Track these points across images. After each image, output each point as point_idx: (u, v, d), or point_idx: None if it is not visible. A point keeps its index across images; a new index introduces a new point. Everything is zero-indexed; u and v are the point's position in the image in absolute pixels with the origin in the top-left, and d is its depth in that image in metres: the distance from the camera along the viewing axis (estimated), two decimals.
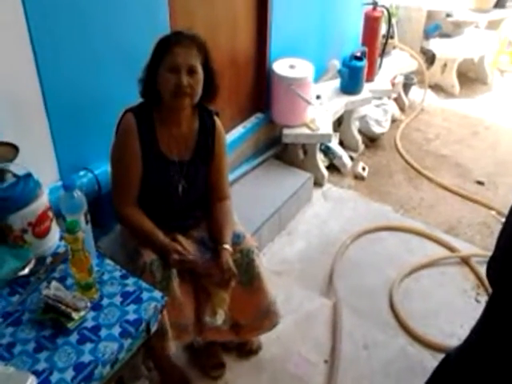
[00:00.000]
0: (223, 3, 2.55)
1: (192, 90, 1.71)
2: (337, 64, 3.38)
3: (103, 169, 2.00)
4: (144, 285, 1.45)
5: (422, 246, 2.82)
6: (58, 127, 1.86)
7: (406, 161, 3.52)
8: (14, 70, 1.67)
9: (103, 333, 1.31)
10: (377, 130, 3.63)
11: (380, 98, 3.66)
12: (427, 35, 4.35)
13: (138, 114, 1.76)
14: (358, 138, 3.54)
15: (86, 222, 1.46)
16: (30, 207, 1.41)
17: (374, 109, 3.64)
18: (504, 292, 1.41)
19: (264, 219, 2.65)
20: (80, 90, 1.91)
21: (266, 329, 1.99)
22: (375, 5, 3.33)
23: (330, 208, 3.05)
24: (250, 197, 2.76)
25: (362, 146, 3.58)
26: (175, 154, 1.82)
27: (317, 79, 3.27)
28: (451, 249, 2.79)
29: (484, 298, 2.46)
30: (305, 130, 3.00)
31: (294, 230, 2.88)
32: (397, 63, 3.88)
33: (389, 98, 3.83)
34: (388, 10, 3.45)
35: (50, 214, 1.48)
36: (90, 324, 1.33)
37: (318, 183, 3.16)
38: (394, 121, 3.88)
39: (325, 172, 3.20)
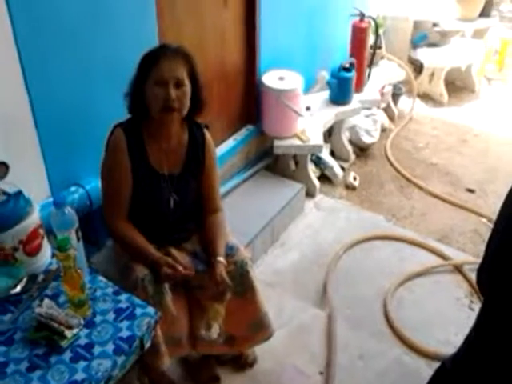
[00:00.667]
0: (211, 16, 2.56)
1: (180, 104, 1.71)
2: (326, 75, 3.41)
3: (94, 184, 2.00)
4: (137, 301, 1.45)
5: (414, 254, 2.83)
6: (48, 143, 1.85)
7: (397, 170, 3.54)
8: (2, 88, 1.66)
9: (96, 350, 1.30)
10: (367, 139, 3.66)
11: (369, 108, 3.69)
12: (414, 45, 4.41)
13: (128, 129, 1.76)
14: (349, 148, 3.56)
15: (78, 239, 1.46)
16: (20, 225, 1.41)
17: (364, 119, 3.67)
18: (495, 300, 1.42)
19: (257, 231, 2.65)
20: (70, 105, 1.91)
21: (259, 341, 1.99)
22: (362, 16, 3.37)
23: (323, 218, 3.06)
24: (242, 209, 2.76)
25: (352, 156, 3.59)
26: (165, 168, 1.82)
27: (306, 90, 3.30)
28: (443, 257, 2.80)
29: (477, 306, 2.46)
30: (296, 141, 3.01)
31: (287, 241, 2.88)
32: (385, 73, 3.91)
33: (378, 107, 3.85)
34: (375, 21, 3.48)
35: (41, 231, 1.48)
36: (83, 341, 1.32)
37: (309, 194, 3.16)
38: (383, 130, 3.91)
39: (316, 182, 3.21)
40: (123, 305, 1.43)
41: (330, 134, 3.52)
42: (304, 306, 2.45)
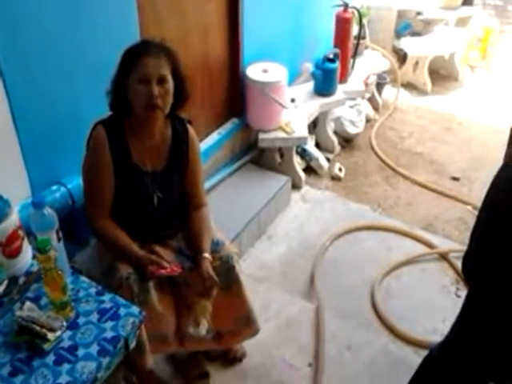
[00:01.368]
0: (194, 10, 2.53)
1: (163, 102, 1.69)
2: (310, 67, 3.39)
3: (76, 182, 1.96)
4: (121, 300, 1.43)
5: (400, 243, 2.84)
6: (28, 143, 1.82)
7: (382, 160, 3.55)
8: None
9: (80, 352, 1.29)
10: (352, 130, 3.65)
11: (354, 99, 3.68)
12: (398, 34, 4.40)
13: (109, 126, 1.74)
14: (334, 139, 3.56)
15: (58, 240, 1.43)
16: None
17: (349, 110, 3.66)
18: (480, 287, 1.43)
19: (243, 225, 2.64)
20: (51, 104, 1.87)
21: (246, 336, 1.99)
22: (346, 6, 3.35)
23: (309, 210, 3.06)
24: (228, 203, 2.75)
25: (337, 147, 3.59)
26: (149, 165, 1.80)
27: (291, 82, 3.28)
28: (430, 245, 2.82)
29: (463, 293, 2.47)
30: (280, 134, 3.00)
31: (273, 234, 2.87)
32: (369, 63, 3.91)
33: (362, 98, 3.85)
34: (359, 11, 3.47)
35: (21, 232, 1.45)
36: (66, 344, 1.31)
37: (295, 186, 3.16)
38: (368, 121, 3.91)
39: (302, 174, 3.21)
40: (107, 305, 1.41)
41: (314, 125, 3.51)
42: (292, 298, 2.46)
